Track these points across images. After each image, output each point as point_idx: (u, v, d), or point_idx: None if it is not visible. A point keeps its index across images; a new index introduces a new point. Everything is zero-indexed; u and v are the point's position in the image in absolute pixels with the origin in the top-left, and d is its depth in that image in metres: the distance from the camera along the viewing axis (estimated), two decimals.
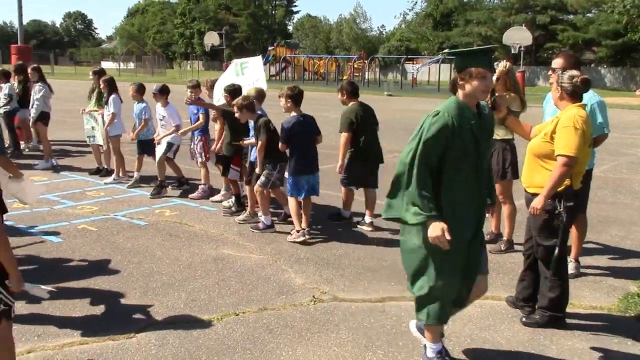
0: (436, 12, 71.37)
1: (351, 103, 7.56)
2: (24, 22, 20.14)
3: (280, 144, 7.05)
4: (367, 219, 7.64)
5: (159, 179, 9.16)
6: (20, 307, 4.49)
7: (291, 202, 7.11)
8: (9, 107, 12.01)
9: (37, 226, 7.44)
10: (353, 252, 6.73)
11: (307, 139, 7.16)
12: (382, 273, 6.10)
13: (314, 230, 7.41)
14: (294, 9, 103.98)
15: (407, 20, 76.67)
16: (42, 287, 4.09)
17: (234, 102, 7.38)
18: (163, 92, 9.16)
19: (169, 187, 9.41)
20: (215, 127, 8.87)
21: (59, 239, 6.98)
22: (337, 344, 4.53)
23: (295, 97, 7.08)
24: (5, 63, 41.68)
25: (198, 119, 9.01)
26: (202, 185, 9.14)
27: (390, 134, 17.79)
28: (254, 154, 7.46)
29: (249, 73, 9.07)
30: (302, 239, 6.96)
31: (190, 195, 9.04)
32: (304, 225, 7.06)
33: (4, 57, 52.86)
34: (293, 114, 7.10)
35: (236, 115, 7.35)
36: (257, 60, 9.58)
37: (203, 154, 9.06)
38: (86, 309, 5.12)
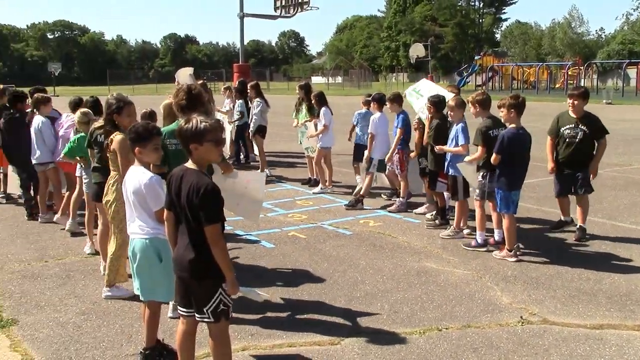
0: None
1: None
2: (245, 43, 21.84)
3: (494, 154, 6.70)
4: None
5: (361, 193, 9.34)
6: (236, 308, 4.80)
7: (508, 220, 6.73)
8: (240, 122, 13.04)
9: (252, 232, 7.97)
10: (566, 273, 6.26)
11: (523, 152, 6.77)
12: (600, 297, 5.59)
13: (525, 250, 7.01)
14: (503, 16, 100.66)
15: (631, 21, 70.19)
16: (257, 290, 4.35)
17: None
18: (378, 101, 9.35)
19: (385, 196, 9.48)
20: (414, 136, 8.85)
21: (271, 244, 7.41)
22: None
23: (519, 107, 6.65)
24: (229, 80, 45.66)
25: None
26: (400, 199, 9.13)
27: (609, 147, 16.40)
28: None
29: (426, 92, 8.80)
30: (514, 259, 6.63)
31: (388, 209, 9.08)
32: (508, 246, 6.71)
33: (227, 75, 57.89)
34: (513, 125, 6.72)
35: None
36: (424, 81, 9.44)
37: (399, 166, 9.04)
38: (294, 312, 5.35)
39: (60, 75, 65.97)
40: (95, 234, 6.70)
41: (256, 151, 12.69)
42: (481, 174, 6.99)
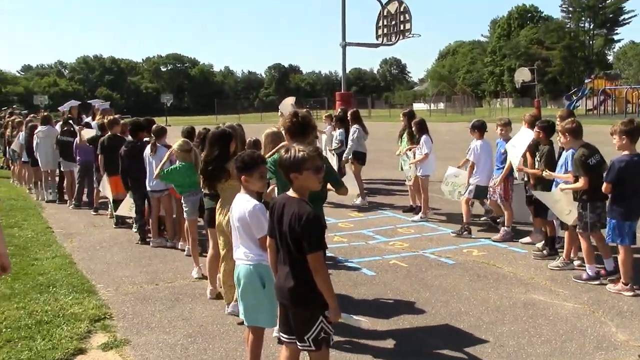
0: None
1: None
2: (347, 71, 22.14)
3: (605, 183, 6.38)
4: None
5: (464, 220, 9.17)
6: (336, 335, 4.79)
7: (623, 252, 6.36)
8: (339, 150, 13.19)
9: (353, 259, 7.98)
10: None
11: (637, 181, 6.37)
12: None
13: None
14: (615, 37, 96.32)
15: None
16: (357, 318, 4.34)
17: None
18: (479, 128, 9.21)
19: (497, 223, 9.30)
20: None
21: (372, 272, 7.38)
22: None
23: (631, 133, 6.28)
24: (330, 108, 46.34)
25: (505, 159, 8.75)
26: (506, 228, 8.84)
27: None
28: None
29: (519, 143, 8.37)
30: (631, 293, 6.25)
31: (493, 238, 8.82)
32: (624, 280, 6.33)
33: (329, 103, 58.76)
34: (626, 152, 6.37)
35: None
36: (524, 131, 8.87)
37: (504, 195, 8.78)
38: (396, 342, 5.28)
39: (172, 105, 69.37)
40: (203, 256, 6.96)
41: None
42: (580, 204, 6.67)
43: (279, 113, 13.47)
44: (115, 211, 10.44)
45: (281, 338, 3.98)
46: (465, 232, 9.14)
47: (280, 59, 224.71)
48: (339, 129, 13.10)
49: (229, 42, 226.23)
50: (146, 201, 9.13)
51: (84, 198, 12.62)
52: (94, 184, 11.98)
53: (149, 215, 9.15)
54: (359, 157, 12.25)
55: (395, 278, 7.12)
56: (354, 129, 12.22)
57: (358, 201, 11.82)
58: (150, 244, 8.97)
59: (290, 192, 3.80)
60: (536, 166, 7.81)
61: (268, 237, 3.96)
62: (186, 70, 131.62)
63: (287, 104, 13.57)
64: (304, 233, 3.58)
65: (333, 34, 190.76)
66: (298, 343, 3.79)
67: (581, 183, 6.58)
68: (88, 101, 14.41)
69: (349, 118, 12.66)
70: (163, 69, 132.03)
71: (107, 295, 6.69)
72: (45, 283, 7.07)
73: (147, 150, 8.75)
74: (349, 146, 12.18)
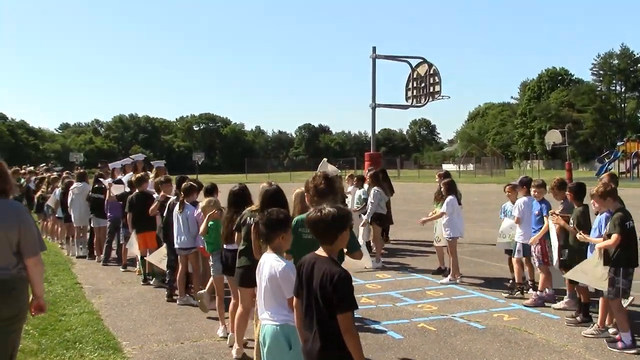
0: None
1: None
2: (376, 131, 22.32)
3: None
4: None
5: (517, 281, 9.13)
6: None
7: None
8: (362, 209, 13.21)
9: (381, 322, 7.85)
10: None
11: None
12: None
13: None
14: None
15: None
16: None
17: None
18: (526, 185, 9.24)
19: (528, 290, 9.09)
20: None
21: (400, 335, 7.24)
22: None
23: None
24: (359, 169, 46.54)
25: (541, 220, 8.63)
26: (539, 292, 8.65)
27: None
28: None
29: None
30: None
31: (524, 303, 8.62)
32: None
33: (359, 163, 59.05)
34: None
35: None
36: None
37: (541, 258, 8.63)
38: None
39: (203, 164, 70.38)
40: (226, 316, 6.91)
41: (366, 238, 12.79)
42: (613, 269, 6.52)
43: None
44: (143, 267, 10.52)
45: None
46: (518, 292, 9.03)
47: (310, 119, 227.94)
48: (359, 188, 13.17)
49: (261, 102, 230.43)
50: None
51: (113, 254, 12.74)
52: (121, 240, 12.11)
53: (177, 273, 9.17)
54: (379, 219, 12.23)
55: (423, 342, 6.96)
56: (374, 191, 12.25)
57: (368, 264, 11.57)
58: (177, 302, 8.96)
59: (320, 251, 3.79)
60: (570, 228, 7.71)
61: (295, 297, 3.94)
62: (218, 129, 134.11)
63: (327, 166, 13.81)
64: (335, 292, 3.56)
65: (363, 94, 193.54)
66: None
67: (613, 240, 6.46)
68: (131, 156, 14.72)
69: (368, 178, 12.73)
70: (195, 128, 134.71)
71: (133, 353, 6.66)
72: (71, 339, 7.08)
73: (176, 208, 8.86)
74: (368, 209, 12.17)
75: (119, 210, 11.95)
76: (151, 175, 12.65)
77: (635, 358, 6.25)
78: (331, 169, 13.97)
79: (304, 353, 3.83)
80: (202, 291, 8.24)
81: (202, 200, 8.76)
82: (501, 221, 10.03)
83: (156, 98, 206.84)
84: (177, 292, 9.12)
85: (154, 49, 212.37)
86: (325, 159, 14.91)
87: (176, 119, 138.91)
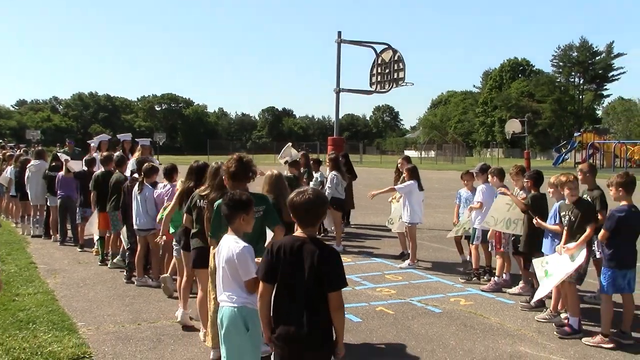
0: None
1: None
2: (340, 116, 22.33)
3: (603, 230, 6.43)
4: None
5: (474, 267, 9.29)
6: None
7: (606, 302, 6.36)
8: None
9: None
10: None
11: (634, 231, 6.46)
12: None
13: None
14: (604, 93, 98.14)
15: None
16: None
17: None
18: (485, 172, 9.36)
19: (484, 276, 9.26)
20: None
21: (358, 318, 7.30)
22: None
23: (626, 185, 6.42)
24: (322, 153, 46.58)
25: None
26: (496, 278, 8.82)
27: None
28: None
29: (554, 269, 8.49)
30: (610, 345, 6.21)
31: (482, 288, 8.78)
32: (624, 328, 6.32)
33: (322, 147, 59.10)
34: (624, 203, 6.46)
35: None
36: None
37: (496, 243, 8.78)
38: None
39: (164, 144, 69.52)
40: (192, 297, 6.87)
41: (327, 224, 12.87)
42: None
43: (282, 159, 13.57)
44: (101, 248, 10.36)
45: None
46: (475, 278, 9.18)
47: (274, 102, 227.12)
48: (317, 171, 13.21)
49: (224, 84, 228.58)
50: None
51: (70, 234, 12.52)
52: (76, 219, 11.88)
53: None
54: (338, 204, 12.25)
55: (381, 325, 7.04)
56: (331, 175, 12.28)
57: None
58: (135, 283, 8.86)
59: (300, 233, 3.82)
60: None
61: (264, 282, 3.88)
62: (180, 110, 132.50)
63: (291, 150, 13.72)
64: (330, 270, 3.67)
65: (327, 79, 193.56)
66: None
67: (601, 233, 6.56)
68: (117, 135, 14.13)
69: (328, 162, 12.75)
70: (157, 108, 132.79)
71: (88, 334, 6.57)
72: (25, 319, 6.94)
73: (135, 189, 8.74)
74: (326, 194, 12.18)
75: (72, 189, 11.73)
76: (137, 154, 12.46)
77: (582, 342, 6.44)
78: (294, 153, 13.89)
79: (282, 333, 3.78)
80: (165, 275, 8.17)
81: (163, 181, 8.67)
82: (455, 207, 10.35)
83: (117, 77, 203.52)
84: (135, 273, 9.03)
85: (115, 26, 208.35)
86: (289, 143, 14.81)
87: (138, 98, 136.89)
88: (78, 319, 7.12)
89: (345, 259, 10.99)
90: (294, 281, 3.73)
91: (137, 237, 8.86)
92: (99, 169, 11.06)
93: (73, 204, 11.91)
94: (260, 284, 3.90)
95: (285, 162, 12.49)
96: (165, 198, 8.34)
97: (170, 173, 8.58)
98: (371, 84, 22.72)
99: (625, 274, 6.35)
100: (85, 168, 11.85)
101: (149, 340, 6.39)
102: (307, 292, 3.69)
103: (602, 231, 6.41)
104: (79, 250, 11.52)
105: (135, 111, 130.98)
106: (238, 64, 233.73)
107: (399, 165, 11.70)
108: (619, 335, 6.37)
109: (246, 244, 4.35)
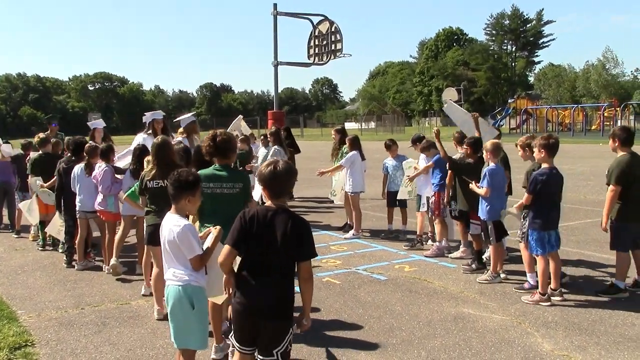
0: None
1: (622, 153, 6.84)
2: (279, 90, 22.21)
3: (527, 194, 6.63)
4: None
5: (417, 233, 9.51)
6: None
7: (541, 262, 6.61)
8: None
9: None
10: (609, 318, 6.07)
11: (556, 192, 6.69)
12: None
13: (566, 294, 6.82)
14: (536, 59, 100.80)
15: None
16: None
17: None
18: (420, 141, 9.59)
19: (427, 242, 9.44)
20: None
21: None
22: None
23: (549, 147, 6.58)
24: (262, 127, 46.30)
25: (439, 173, 8.94)
26: (437, 243, 9.02)
27: None
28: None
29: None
30: (548, 303, 6.47)
31: (424, 254, 8.97)
32: (553, 286, 6.59)
33: (262, 122, 58.65)
34: (545, 165, 6.67)
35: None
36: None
37: (434, 209, 8.96)
38: (329, 359, 5.25)
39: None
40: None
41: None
42: (523, 215, 6.90)
43: (231, 128, 13.36)
44: (43, 232, 10.07)
45: (238, 349, 3.85)
46: (419, 244, 9.38)
47: (212, 78, 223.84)
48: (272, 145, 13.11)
49: (160, 61, 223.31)
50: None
51: (5, 220, 12.10)
52: (15, 205, 11.49)
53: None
54: None
55: (328, 295, 7.11)
56: (274, 149, 12.23)
57: None
58: (76, 267, 8.65)
59: (270, 204, 3.81)
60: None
61: (231, 247, 3.78)
62: (115, 89, 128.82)
63: (240, 124, 13.52)
64: (302, 240, 3.72)
65: (265, 53, 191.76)
66: (260, 356, 3.75)
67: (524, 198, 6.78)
68: (145, 114, 12.60)
69: (269, 136, 12.69)
70: (91, 88, 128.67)
71: (29, 322, 6.39)
72: None
73: (78, 170, 8.50)
74: None
75: (8, 174, 11.32)
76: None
77: (516, 295, 6.73)
78: (244, 126, 13.69)
79: (247, 304, 3.75)
80: (113, 259, 7.98)
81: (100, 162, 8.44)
82: (382, 177, 10.60)
83: (46, 57, 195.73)
84: (76, 257, 8.81)
85: (41, 3, 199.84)
86: (240, 116, 14.55)
87: (69, 78, 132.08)
88: (18, 307, 6.92)
89: None
90: (264, 250, 3.71)
91: (79, 220, 8.63)
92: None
93: (12, 189, 11.50)
94: (225, 249, 3.81)
95: (235, 136, 12.33)
96: (99, 179, 8.16)
97: (107, 154, 8.37)
98: (309, 57, 22.64)
99: (550, 234, 6.60)
100: (21, 151, 11.47)
101: (94, 325, 6.27)
102: (276, 262, 3.71)
103: (526, 194, 6.61)
104: (15, 236, 11.16)
105: (68, 91, 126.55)
106: (173, 40, 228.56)
107: (333, 137, 11.76)
108: (553, 293, 6.63)
109: (187, 223, 4.28)
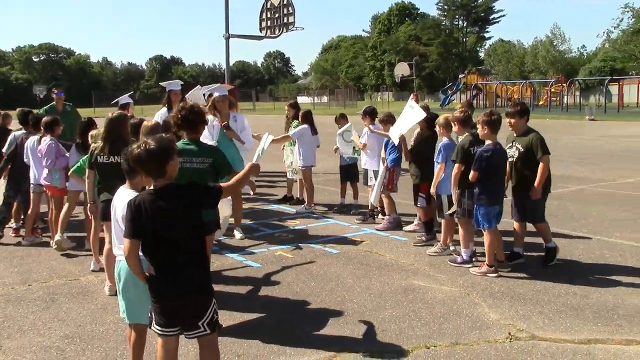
0: None
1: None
2: (230, 63, 21.93)
3: (472, 171, 6.75)
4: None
5: (369, 207, 9.58)
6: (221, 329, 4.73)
7: (489, 236, 6.78)
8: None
9: (239, 251, 7.94)
10: (552, 288, 6.28)
11: (499, 168, 6.85)
12: (587, 312, 5.61)
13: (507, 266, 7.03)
14: (486, 35, 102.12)
15: (612, 39, 70.99)
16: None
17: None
18: (370, 114, 9.62)
19: (378, 215, 9.55)
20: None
21: (258, 264, 7.37)
22: None
23: (492, 124, 6.68)
24: None
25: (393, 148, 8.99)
26: (388, 216, 9.14)
27: (592, 162, 16.59)
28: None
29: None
30: (494, 274, 6.66)
31: (376, 227, 9.09)
32: (499, 258, 6.79)
33: None
34: (489, 142, 6.80)
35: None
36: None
37: (387, 184, 9.04)
38: (282, 332, 5.30)
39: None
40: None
41: None
42: (459, 191, 7.03)
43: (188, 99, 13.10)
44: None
45: (163, 333, 3.81)
46: (370, 218, 9.47)
47: (161, 50, 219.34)
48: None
49: (108, 32, 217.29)
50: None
51: None
52: None
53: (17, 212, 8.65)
54: None
55: (281, 269, 7.15)
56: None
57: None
58: (22, 243, 8.45)
59: (152, 185, 3.67)
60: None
61: (132, 240, 3.63)
62: (61, 60, 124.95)
63: (198, 94, 13.25)
64: (206, 195, 3.75)
65: (216, 25, 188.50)
66: (187, 333, 3.72)
67: (455, 169, 6.93)
68: (162, 84, 11.49)
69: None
70: (35, 59, 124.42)
71: None
72: None
73: (31, 142, 8.30)
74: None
75: None
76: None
77: (465, 267, 6.92)
78: (200, 97, 13.38)
79: (167, 298, 3.68)
80: (58, 234, 7.82)
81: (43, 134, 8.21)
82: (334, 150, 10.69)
83: None
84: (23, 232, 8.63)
85: None
86: (198, 86, 14.20)
87: (12, 49, 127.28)
88: None
89: (244, 206, 10.97)
90: (166, 233, 3.58)
91: (32, 193, 8.44)
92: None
93: None
94: (127, 242, 3.66)
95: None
96: (44, 152, 7.97)
97: (51, 126, 8.15)
98: (261, 30, 22.42)
99: (495, 209, 6.78)
100: None
101: (42, 301, 6.16)
102: (187, 240, 3.63)
103: (472, 171, 6.72)
104: None
105: (11, 62, 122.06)
106: (121, 9, 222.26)
107: (286, 112, 11.75)
108: (500, 265, 6.84)
109: None
